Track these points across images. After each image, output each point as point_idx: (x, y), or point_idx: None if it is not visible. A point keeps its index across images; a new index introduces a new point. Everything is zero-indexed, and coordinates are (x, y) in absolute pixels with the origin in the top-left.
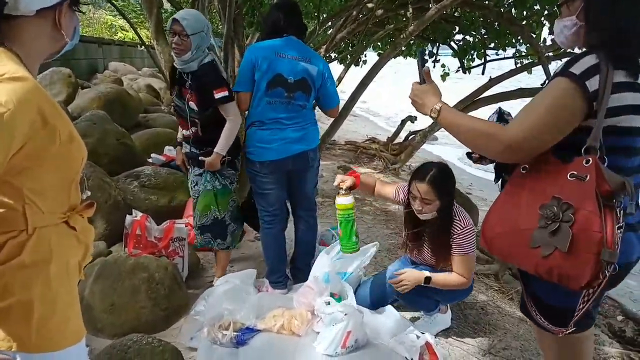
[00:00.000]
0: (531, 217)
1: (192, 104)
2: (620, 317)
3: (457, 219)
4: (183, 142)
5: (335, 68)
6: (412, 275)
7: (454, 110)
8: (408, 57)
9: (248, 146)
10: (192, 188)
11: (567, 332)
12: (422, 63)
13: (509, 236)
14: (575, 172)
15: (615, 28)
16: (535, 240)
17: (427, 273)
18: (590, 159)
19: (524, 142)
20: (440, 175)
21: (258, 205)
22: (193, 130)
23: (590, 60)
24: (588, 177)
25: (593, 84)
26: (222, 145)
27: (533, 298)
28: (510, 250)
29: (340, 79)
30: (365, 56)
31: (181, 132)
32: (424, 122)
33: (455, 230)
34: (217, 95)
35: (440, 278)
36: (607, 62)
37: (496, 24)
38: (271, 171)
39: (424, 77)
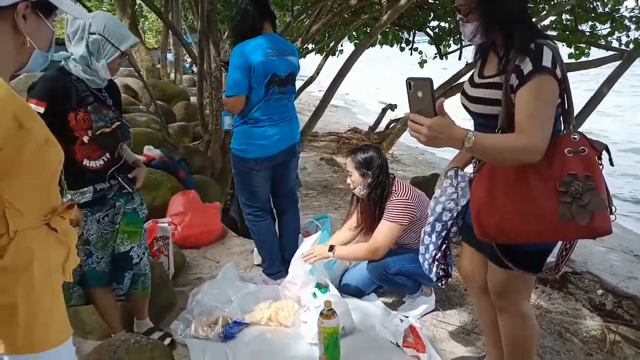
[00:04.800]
0: (550, 196)
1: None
2: (600, 291)
3: (395, 190)
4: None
5: (313, 59)
6: (318, 249)
7: (481, 133)
8: (384, 45)
9: (240, 144)
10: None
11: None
12: (429, 93)
13: (532, 219)
14: (571, 149)
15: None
16: (565, 214)
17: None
18: (578, 134)
19: (546, 144)
20: (361, 150)
21: (246, 202)
22: (115, 155)
23: (546, 52)
24: (586, 150)
25: (558, 72)
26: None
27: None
28: (540, 231)
29: (318, 69)
30: (342, 46)
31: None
32: (403, 109)
33: (389, 200)
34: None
35: (346, 248)
36: (554, 49)
37: None
38: (265, 167)
39: (438, 109)
